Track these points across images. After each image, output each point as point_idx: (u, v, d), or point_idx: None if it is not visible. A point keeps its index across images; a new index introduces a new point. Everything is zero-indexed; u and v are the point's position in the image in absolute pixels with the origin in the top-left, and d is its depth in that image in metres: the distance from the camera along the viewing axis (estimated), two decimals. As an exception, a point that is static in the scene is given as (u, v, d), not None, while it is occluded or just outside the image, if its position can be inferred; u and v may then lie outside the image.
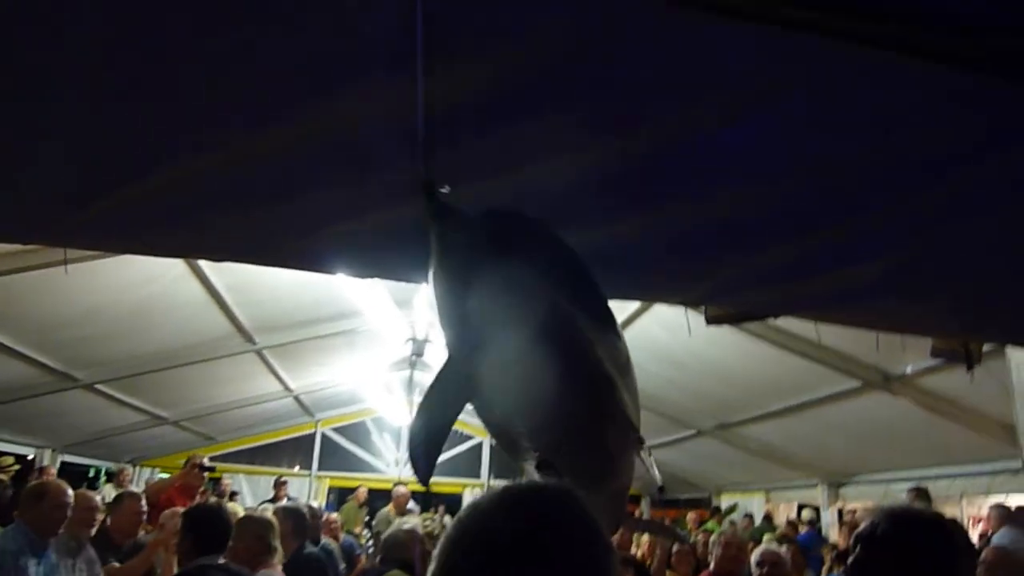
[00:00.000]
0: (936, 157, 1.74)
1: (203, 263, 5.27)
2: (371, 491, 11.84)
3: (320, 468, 13.38)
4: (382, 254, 2.05)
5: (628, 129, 1.67)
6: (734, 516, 10.97)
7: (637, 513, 11.22)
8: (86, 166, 1.74)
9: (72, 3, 1.33)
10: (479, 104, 1.57)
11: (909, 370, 5.55)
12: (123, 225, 1.95)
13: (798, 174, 1.82)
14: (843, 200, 1.91)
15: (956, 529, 1.93)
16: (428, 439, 1.66)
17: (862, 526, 1.88)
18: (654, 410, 8.41)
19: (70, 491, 3.86)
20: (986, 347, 3.54)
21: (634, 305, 5.83)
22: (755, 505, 11.15)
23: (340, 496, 13.53)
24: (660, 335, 6.29)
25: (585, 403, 1.58)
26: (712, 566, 4.86)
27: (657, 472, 1.67)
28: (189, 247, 2.48)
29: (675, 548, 6.01)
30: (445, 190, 1.53)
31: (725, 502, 11.90)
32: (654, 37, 1.44)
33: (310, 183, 1.80)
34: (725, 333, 5.28)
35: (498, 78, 1.51)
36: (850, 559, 1.87)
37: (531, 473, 1.66)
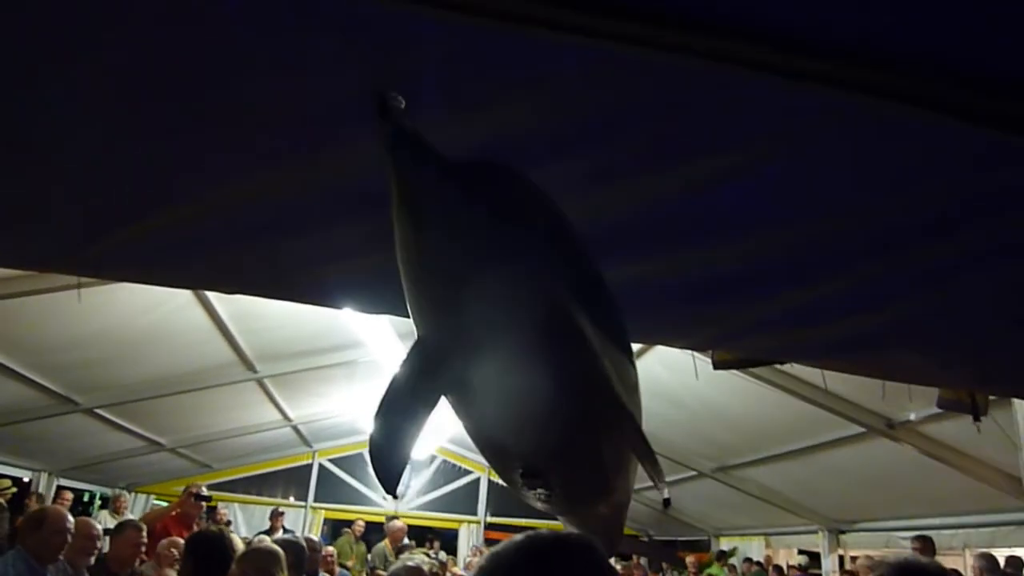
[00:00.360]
0: (947, 211, 1.75)
1: (209, 292, 5.28)
2: (366, 524, 11.75)
3: (316, 499, 13.25)
4: (388, 291, 2.06)
5: (640, 177, 1.69)
6: (733, 560, 10.84)
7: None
8: (102, 198, 1.76)
9: (88, 44, 1.35)
10: (489, 148, 1.59)
11: (913, 417, 5.52)
12: (136, 257, 1.97)
13: (807, 224, 1.83)
14: (852, 250, 1.92)
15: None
16: (394, 439, 1.36)
17: (867, 579, 1.87)
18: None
19: (70, 517, 3.83)
20: (992, 397, 3.53)
21: (636, 344, 5.82)
22: (754, 550, 11.02)
23: (334, 528, 13.39)
24: (662, 374, 6.28)
25: (582, 408, 1.38)
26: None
27: (665, 486, 1.49)
28: (200, 279, 2.49)
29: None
30: (400, 103, 1.15)
31: (724, 546, 11.76)
32: (667, 87, 1.46)
33: (320, 220, 1.82)
34: (727, 375, 5.27)
35: (510, 123, 1.53)
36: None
37: (517, 483, 1.52)
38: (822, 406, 5.87)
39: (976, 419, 3.37)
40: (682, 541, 12.87)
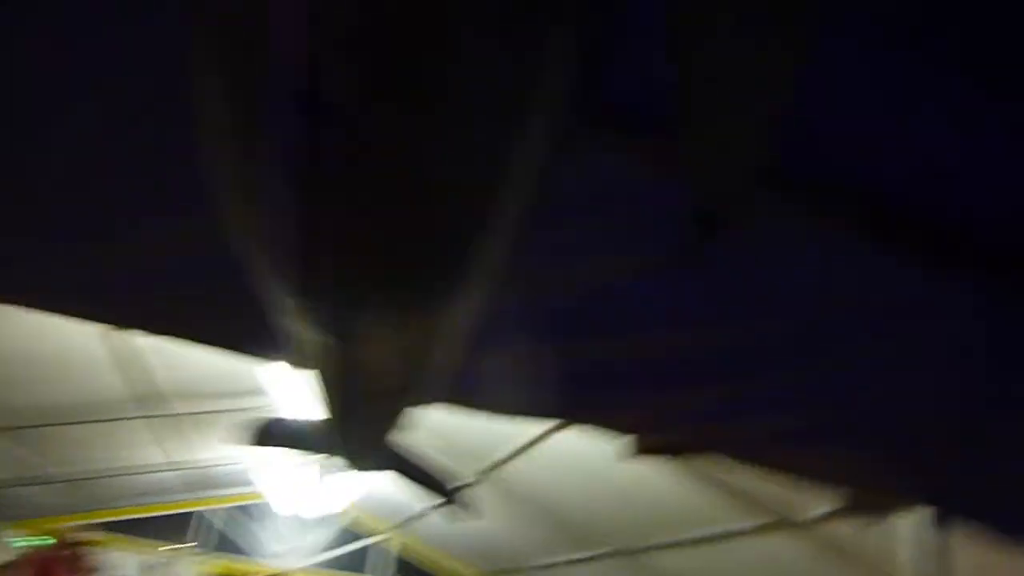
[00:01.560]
0: (872, 318, 1.79)
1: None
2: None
3: (202, 549, 12.49)
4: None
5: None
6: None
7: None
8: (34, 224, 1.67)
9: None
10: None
11: (815, 514, 5.56)
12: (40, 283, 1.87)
13: (727, 323, 1.85)
14: (772, 349, 1.94)
15: None
16: None
17: None
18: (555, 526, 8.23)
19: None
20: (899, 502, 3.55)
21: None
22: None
23: (216, 583, 12.67)
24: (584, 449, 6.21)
25: None
26: None
27: None
28: (100, 313, 2.36)
29: None
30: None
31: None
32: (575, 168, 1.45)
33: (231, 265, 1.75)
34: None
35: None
36: None
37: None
38: (721, 494, 5.85)
39: (879, 521, 3.39)
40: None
